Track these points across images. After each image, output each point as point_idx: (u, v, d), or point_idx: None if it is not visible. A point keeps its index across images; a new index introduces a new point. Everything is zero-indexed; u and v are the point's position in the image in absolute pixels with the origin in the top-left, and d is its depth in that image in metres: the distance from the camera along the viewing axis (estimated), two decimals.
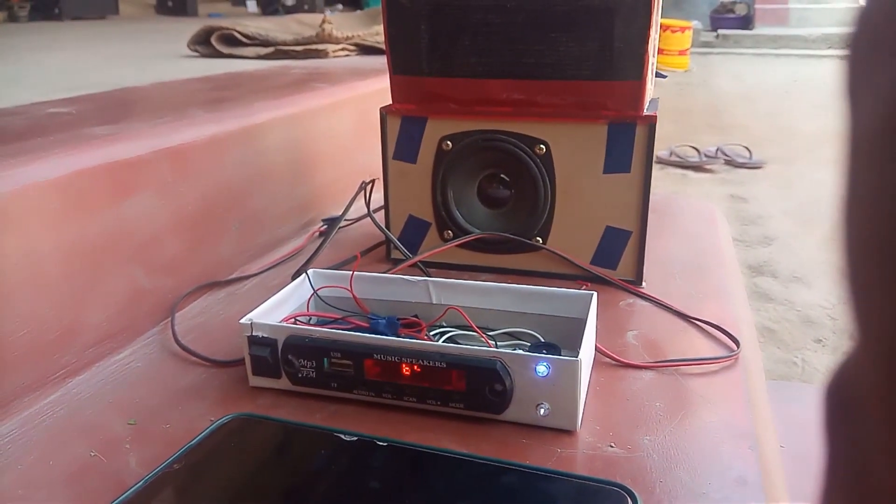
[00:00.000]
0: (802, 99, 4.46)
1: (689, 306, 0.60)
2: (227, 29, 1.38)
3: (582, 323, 0.48)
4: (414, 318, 0.54)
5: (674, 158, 2.88)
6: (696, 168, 2.85)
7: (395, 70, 0.65)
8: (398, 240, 0.69)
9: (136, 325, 0.57)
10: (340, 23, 1.48)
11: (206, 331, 0.58)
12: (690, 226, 0.83)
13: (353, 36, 1.39)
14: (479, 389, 0.43)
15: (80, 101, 0.78)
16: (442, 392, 0.44)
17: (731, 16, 7.74)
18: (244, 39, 1.38)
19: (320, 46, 1.33)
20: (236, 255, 0.69)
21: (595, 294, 0.50)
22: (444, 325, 0.54)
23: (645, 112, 0.61)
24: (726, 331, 0.56)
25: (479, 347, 0.44)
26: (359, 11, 2.29)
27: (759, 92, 4.74)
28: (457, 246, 0.67)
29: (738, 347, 0.54)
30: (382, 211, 0.70)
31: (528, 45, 0.61)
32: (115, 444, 0.43)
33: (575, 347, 0.45)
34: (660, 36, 0.66)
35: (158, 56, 1.47)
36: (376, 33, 1.45)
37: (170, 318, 0.58)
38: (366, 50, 1.43)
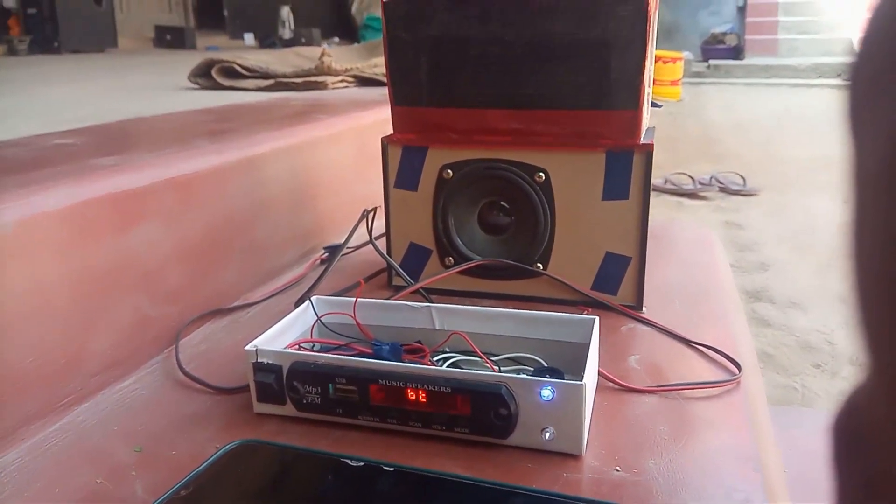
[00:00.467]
0: (794, 127, 4.52)
1: (690, 331, 0.61)
2: (228, 62, 1.40)
3: (584, 347, 0.49)
4: (417, 344, 0.55)
5: (669, 186, 2.90)
6: (691, 195, 2.88)
7: (397, 101, 0.67)
8: (400, 267, 0.70)
9: (140, 352, 0.57)
10: (339, 56, 1.50)
11: (210, 358, 0.58)
12: (688, 251, 0.84)
13: (351, 68, 1.41)
14: (484, 414, 0.44)
15: (84, 132, 0.79)
16: (447, 417, 0.45)
17: (722, 46, 7.86)
18: (244, 72, 1.40)
19: (320, 78, 1.35)
20: (239, 283, 0.70)
21: (597, 318, 0.51)
22: (448, 350, 0.54)
23: (642, 140, 0.62)
24: (727, 355, 0.56)
25: (484, 372, 0.45)
26: (356, 44, 2.33)
27: (751, 121, 4.80)
28: (458, 273, 0.68)
29: (739, 371, 0.54)
30: (384, 238, 0.71)
31: (526, 76, 0.62)
32: (121, 471, 0.43)
33: (578, 372, 0.45)
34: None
35: (159, 88, 1.49)
36: (374, 65, 1.47)
37: (174, 346, 0.58)
38: (364, 82, 1.45)
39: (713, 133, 4.27)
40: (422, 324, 0.56)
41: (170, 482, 0.40)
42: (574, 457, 0.44)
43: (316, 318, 0.56)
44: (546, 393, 0.43)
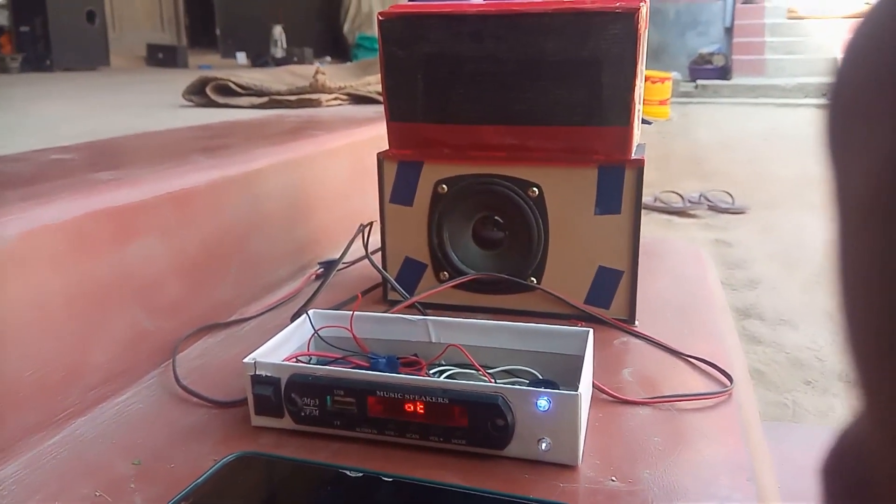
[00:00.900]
0: (781, 146, 4.57)
1: (682, 344, 0.61)
2: (223, 79, 1.41)
3: (579, 359, 0.49)
4: (414, 357, 0.55)
5: (658, 204, 2.93)
6: (681, 213, 2.90)
7: (393, 117, 0.68)
8: (395, 281, 0.70)
9: (138, 366, 0.57)
10: (333, 74, 1.52)
11: (207, 372, 0.58)
12: (679, 267, 0.85)
13: (345, 86, 1.42)
14: (481, 425, 0.44)
15: (81, 148, 0.80)
16: (445, 428, 0.45)
17: (710, 66, 7.95)
18: (239, 89, 1.41)
19: (314, 96, 1.36)
20: (235, 298, 0.70)
21: (591, 331, 0.51)
22: (444, 363, 0.54)
23: (633, 156, 0.63)
24: (719, 367, 0.57)
25: (481, 383, 0.45)
26: (349, 63, 2.35)
27: (739, 139, 4.85)
28: (453, 287, 0.68)
29: (731, 383, 0.55)
30: (379, 253, 0.71)
31: (519, 92, 0.63)
32: (120, 484, 0.44)
33: (572, 384, 0.46)
34: None
35: (153, 105, 1.50)
36: (368, 83, 1.49)
37: (171, 360, 0.58)
38: (358, 100, 1.47)
39: (702, 152, 4.32)
40: (418, 337, 0.56)
41: (168, 495, 0.41)
42: (570, 467, 0.44)
43: (313, 331, 0.57)
44: (542, 403, 0.43)
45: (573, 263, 0.66)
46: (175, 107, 1.44)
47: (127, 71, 3.91)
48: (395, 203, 0.69)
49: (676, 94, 6.55)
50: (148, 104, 1.56)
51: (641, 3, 0.59)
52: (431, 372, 0.53)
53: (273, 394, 0.48)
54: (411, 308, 0.66)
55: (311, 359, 0.56)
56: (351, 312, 0.56)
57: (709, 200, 2.97)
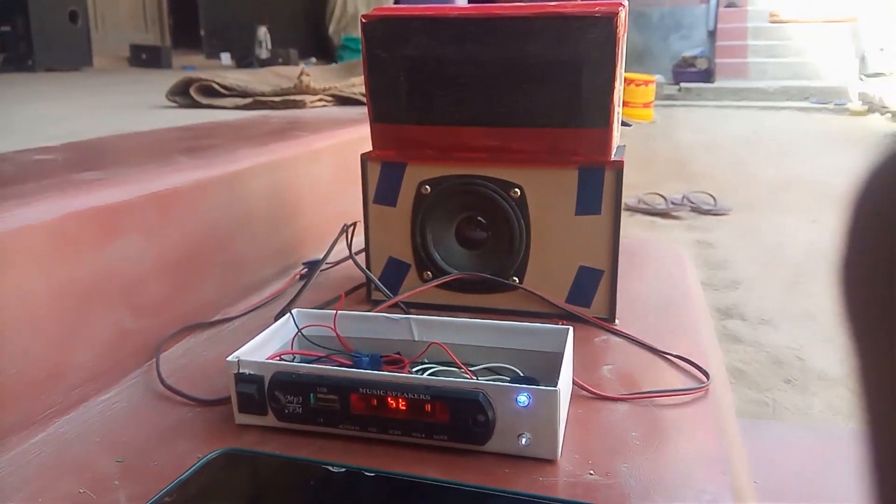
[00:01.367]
0: (763, 148, 4.62)
1: (661, 342, 0.62)
2: (206, 80, 1.41)
3: (559, 357, 0.50)
4: (396, 356, 0.56)
5: (641, 206, 2.95)
6: (664, 215, 2.92)
7: (376, 118, 0.68)
8: (379, 281, 0.71)
9: (121, 365, 0.57)
10: (317, 75, 1.52)
11: (191, 371, 0.58)
12: (659, 268, 0.87)
13: (330, 87, 1.42)
14: (462, 421, 0.45)
15: (65, 148, 0.80)
16: (426, 424, 0.46)
17: (693, 69, 8.02)
18: (223, 90, 1.41)
19: (298, 97, 1.36)
20: (219, 298, 0.71)
21: (571, 329, 0.52)
22: (426, 361, 0.55)
23: (613, 157, 0.64)
24: (696, 364, 0.58)
25: (462, 380, 0.46)
26: (334, 64, 2.35)
27: (722, 142, 4.90)
28: (436, 286, 0.69)
29: (707, 379, 0.56)
30: (363, 253, 0.72)
31: (501, 95, 0.64)
32: (103, 481, 0.44)
33: (553, 381, 0.46)
34: (624, 89, 0.70)
35: (137, 106, 1.49)
36: (352, 85, 1.49)
37: (154, 359, 0.59)
38: (342, 101, 1.47)
39: (685, 154, 4.35)
40: (401, 335, 0.57)
41: (152, 491, 0.41)
42: (549, 461, 0.45)
43: (297, 330, 0.57)
44: (522, 399, 0.44)
45: (554, 263, 0.67)
46: (158, 107, 1.44)
47: (110, 71, 3.89)
48: (379, 203, 0.70)
49: (660, 96, 6.60)
50: (131, 105, 1.56)
51: (620, 8, 0.60)
52: (414, 370, 0.54)
53: (256, 391, 0.48)
54: (395, 307, 0.67)
55: (294, 357, 0.56)
56: (334, 311, 0.57)
57: (691, 202, 3.01)
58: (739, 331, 1.81)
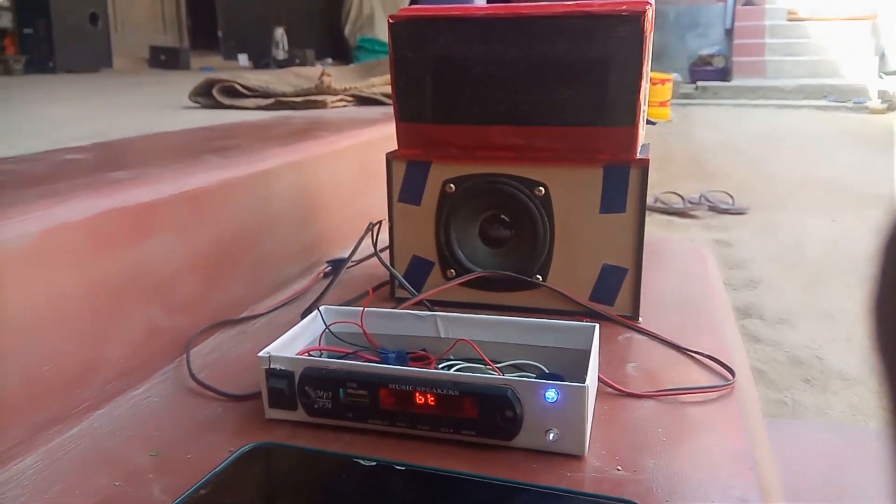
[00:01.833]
0: (781, 147, 4.58)
1: (685, 340, 0.62)
2: (229, 81, 1.43)
3: (584, 354, 0.51)
4: (422, 352, 0.56)
5: (659, 205, 2.94)
6: (681, 214, 2.91)
7: (402, 118, 0.69)
8: (403, 279, 0.71)
9: (152, 361, 0.58)
10: (337, 76, 1.53)
11: (220, 367, 0.59)
12: (681, 266, 0.87)
13: (350, 88, 1.43)
14: (490, 416, 0.45)
15: (94, 148, 0.81)
16: (455, 420, 0.46)
17: (710, 68, 7.97)
18: (245, 91, 1.42)
19: (319, 98, 1.37)
20: (246, 295, 0.72)
21: (597, 325, 0.53)
22: (452, 358, 0.56)
23: (638, 155, 0.64)
24: (722, 362, 0.58)
25: (491, 376, 0.46)
26: (353, 65, 2.36)
27: (739, 141, 4.87)
28: (459, 284, 0.70)
29: (733, 377, 0.56)
30: (387, 252, 0.73)
31: (527, 94, 0.65)
32: (138, 474, 0.45)
33: (578, 378, 0.47)
34: None
35: (160, 106, 1.51)
36: (371, 85, 1.50)
37: (184, 355, 0.60)
38: (362, 101, 1.48)
39: (702, 153, 4.33)
40: (427, 332, 0.57)
41: (186, 484, 0.42)
42: (577, 457, 0.45)
43: (324, 326, 0.58)
44: (550, 395, 0.44)
45: (578, 261, 0.67)
46: (181, 108, 1.46)
47: (130, 73, 3.93)
48: (404, 202, 0.71)
49: (677, 95, 6.58)
50: (154, 105, 1.58)
51: (647, 6, 0.61)
52: (440, 366, 0.55)
53: (287, 387, 0.49)
54: (419, 305, 0.68)
55: (322, 353, 0.57)
56: (361, 308, 0.58)
57: (709, 201, 2.99)
58: (758, 330, 1.81)
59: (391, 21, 0.66)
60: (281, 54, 5.25)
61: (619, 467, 0.44)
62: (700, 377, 0.57)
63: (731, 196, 3.01)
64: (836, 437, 1.28)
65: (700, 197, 3.02)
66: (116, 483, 0.44)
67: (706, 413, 0.51)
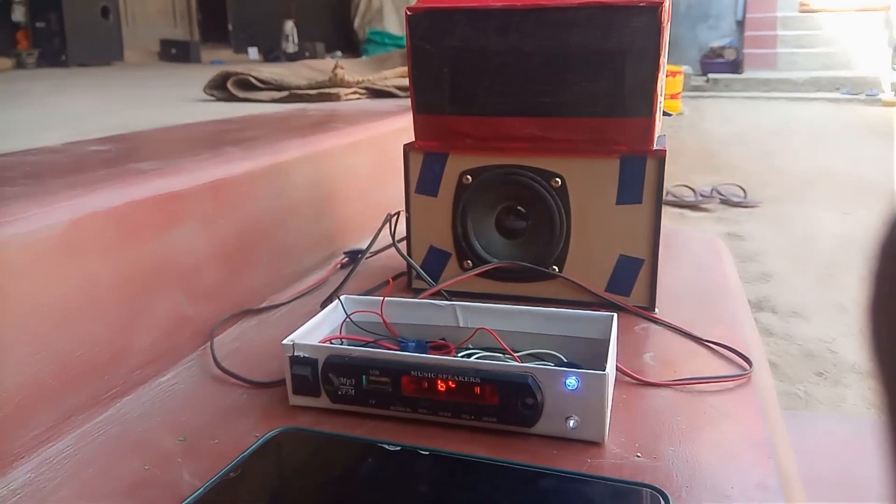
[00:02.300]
0: (793, 140, 4.56)
1: (701, 330, 0.63)
2: (243, 74, 1.44)
3: (602, 343, 0.51)
4: (442, 341, 0.57)
5: (670, 198, 2.94)
6: (693, 207, 2.91)
7: (419, 109, 0.69)
8: (421, 269, 0.72)
9: (178, 349, 0.59)
10: (349, 68, 1.54)
11: (243, 355, 0.60)
12: (697, 257, 0.87)
13: (363, 80, 1.44)
14: (511, 403, 0.46)
15: (116, 140, 0.82)
16: (476, 407, 0.47)
17: (721, 60, 7.93)
18: (259, 84, 1.43)
19: (333, 90, 1.38)
20: (266, 285, 0.73)
21: (615, 315, 0.53)
22: (471, 347, 0.56)
23: (655, 147, 0.65)
24: (738, 351, 0.59)
25: (512, 363, 0.47)
26: (365, 57, 2.36)
27: (751, 134, 4.85)
28: (476, 275, 0.70)
29: (750, 367, 0.57)
30: (404, 242, 0.74)
31: (543, 85, 0.65)
32: (167, 458, 0.46)
33: (596, 367, 0.47)
34: None
35: (175, 99, 1.52)
36: (384, 78, 1.51)
37: (209, 343, 0.61)
38: (375, 93, 1.49)
39: (713, 146, 4.32)
40: (446, 322, 0.58)
41: (215, 468, 0.43)
42: (596, 444, 0.46)
43: (345, 315, 0.59)
44: (571, 382, 0.45)
45: (595, 252, 0.68)
46: (195, 100, 1.47)
47: (141, 66, 3.95)
48: (421, 193, 0.71)
49: (688, 88, 6.54)
50: (169, 98, 1.59)
51: None
52: (460, 355, 0.55)
53: (311, 374, 0.50)
54: (436, 295, 0.68)
55: (343, 342, 0.58)
56: (381, 298, 0.58)
57: (721, 194, 2.98)
58: (771, 323, 1.81)
59: (409, 13, 0.66)
60: (291, 47, 5.26)
61: (639, 454, 0.45)
62: (717, 367, 0.57)
63: (742, 189, 3.00)
64: (849, 429, 1.28)
65: (712, 190, 3.01)
66: (146, 467, 0.45)
67: (724, 402, 0.52)
